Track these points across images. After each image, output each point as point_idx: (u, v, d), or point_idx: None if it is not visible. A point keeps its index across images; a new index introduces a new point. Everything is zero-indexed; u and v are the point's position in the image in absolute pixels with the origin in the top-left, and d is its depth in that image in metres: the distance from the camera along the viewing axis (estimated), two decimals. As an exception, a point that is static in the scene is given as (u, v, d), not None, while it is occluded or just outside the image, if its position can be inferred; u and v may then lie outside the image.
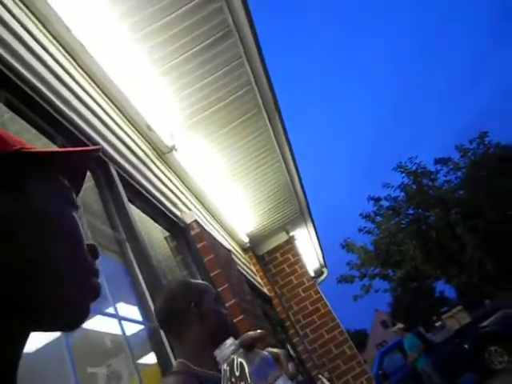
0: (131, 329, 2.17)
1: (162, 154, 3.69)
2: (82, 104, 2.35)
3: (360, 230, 18.41)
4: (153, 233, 3.44)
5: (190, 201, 4.18)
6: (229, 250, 4.86)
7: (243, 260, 6.12)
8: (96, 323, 1.97)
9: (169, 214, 3.37)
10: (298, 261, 7.60)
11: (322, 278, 10.06)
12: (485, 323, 10.34)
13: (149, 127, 3.32)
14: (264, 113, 4.13)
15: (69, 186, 0.56)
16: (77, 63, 2.51)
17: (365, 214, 18.24)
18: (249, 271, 6.09)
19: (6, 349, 0.46)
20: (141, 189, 2.89)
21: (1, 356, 0.45)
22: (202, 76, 3.42)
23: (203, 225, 3.98)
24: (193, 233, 3.66)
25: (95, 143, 2.32)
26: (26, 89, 1.84)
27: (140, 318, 2.27)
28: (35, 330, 0.49)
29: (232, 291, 3.60)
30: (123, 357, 2.54)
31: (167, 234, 3.58)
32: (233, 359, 0.65)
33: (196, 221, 3.73)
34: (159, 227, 3.39)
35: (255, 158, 4.83)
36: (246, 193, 5.47)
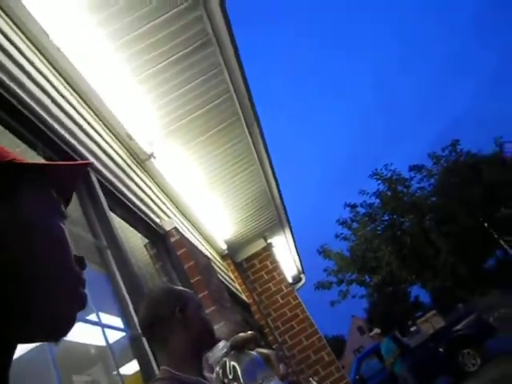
0: (113, 337, 2.16)
1: (141, 161, 3.68)
2: (61, 111, 2.34)
3: (337, 236, 18.61)
4: (132, 239, 3.43)
5: (169, 208, 4.17)
6: (208, 258, 4.86)
7: (222, 267, 6.12)
8: (78, 331, 1.96)
9: (148, 222, 3.36)
10: (276, 268, 7.63)
11: (300, 284, 10.11)
12: (458, 327, 10.54)
13: (129, 136, 3.32)
14: (242, 121, 4.15)
15: (58, 198, 0.58)
16: (55, 69, 2.50)
17: (341, 220, 18.45)
18: (227, 278, 6.09)
19: None
20: (121, 196, 2.88)
21: None
22: (180, 84, 3.43)
23: (182, 232, 3.98)
24: (172, 240, 3.66)
25: (76, 151, 2.31)
26: (6, 94, 1.83)
27: (122, 326, 2.26)
28: (21, 341, 0.50)
29: (212, 298, 3.61)
30: (103, 366, 2.52)
31: (147, 241, 3.58)
32: (225, 362, 0.67)
33: (175, 228, 3.73)
34: (139, 234, 3.38)
35: (233, 165, 4.86)
36: (224, 200, 5.48)
